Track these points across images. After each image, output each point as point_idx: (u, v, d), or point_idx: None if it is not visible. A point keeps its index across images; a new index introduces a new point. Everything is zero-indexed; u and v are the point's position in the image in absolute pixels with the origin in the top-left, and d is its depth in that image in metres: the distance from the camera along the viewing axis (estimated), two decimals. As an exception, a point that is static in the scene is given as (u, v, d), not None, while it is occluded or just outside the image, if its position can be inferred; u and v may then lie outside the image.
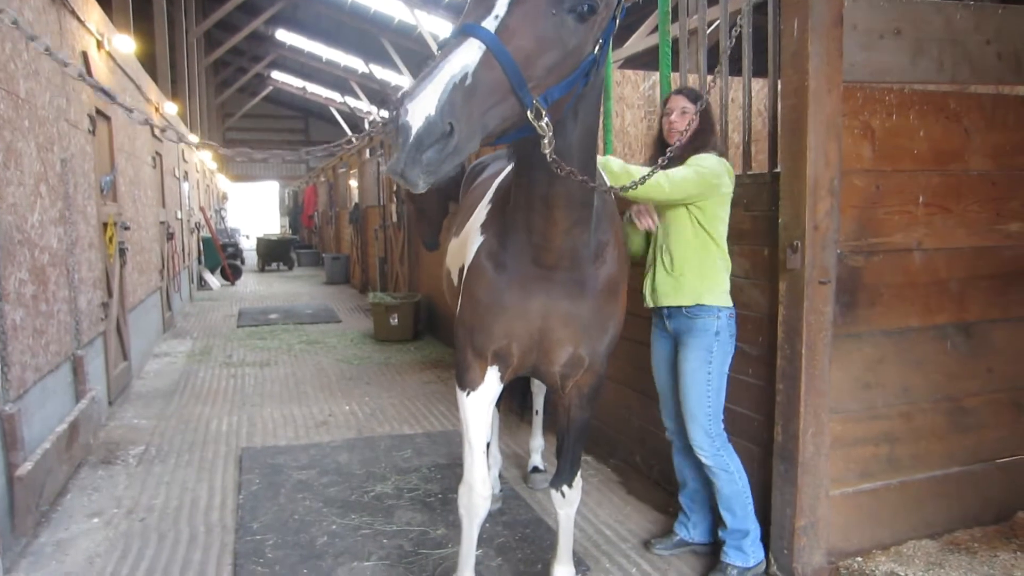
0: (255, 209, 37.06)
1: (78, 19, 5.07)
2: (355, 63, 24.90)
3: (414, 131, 1.49)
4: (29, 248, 3.75)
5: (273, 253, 19.01)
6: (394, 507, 3.84)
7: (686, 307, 2.95)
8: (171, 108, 10.02)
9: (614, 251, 2.50)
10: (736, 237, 3.28)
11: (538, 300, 2.41)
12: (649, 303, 3.09)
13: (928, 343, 3.18)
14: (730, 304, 2.98)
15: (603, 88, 2.58)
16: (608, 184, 2.56)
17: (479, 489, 2.59)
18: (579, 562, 3.20)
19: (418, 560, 3.24)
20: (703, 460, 2.99)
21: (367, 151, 12.88)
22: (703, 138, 2.91)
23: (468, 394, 2.58)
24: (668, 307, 3.02)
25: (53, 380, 4.12)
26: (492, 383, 2.56)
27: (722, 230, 2.96)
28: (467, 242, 2.69)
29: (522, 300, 2.41)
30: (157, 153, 9.11)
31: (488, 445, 2.71)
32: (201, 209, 15.47)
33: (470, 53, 1.61)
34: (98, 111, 5.61)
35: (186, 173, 12.91)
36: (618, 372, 4.18)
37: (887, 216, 3.04)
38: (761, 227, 3.17)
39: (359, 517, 3.70)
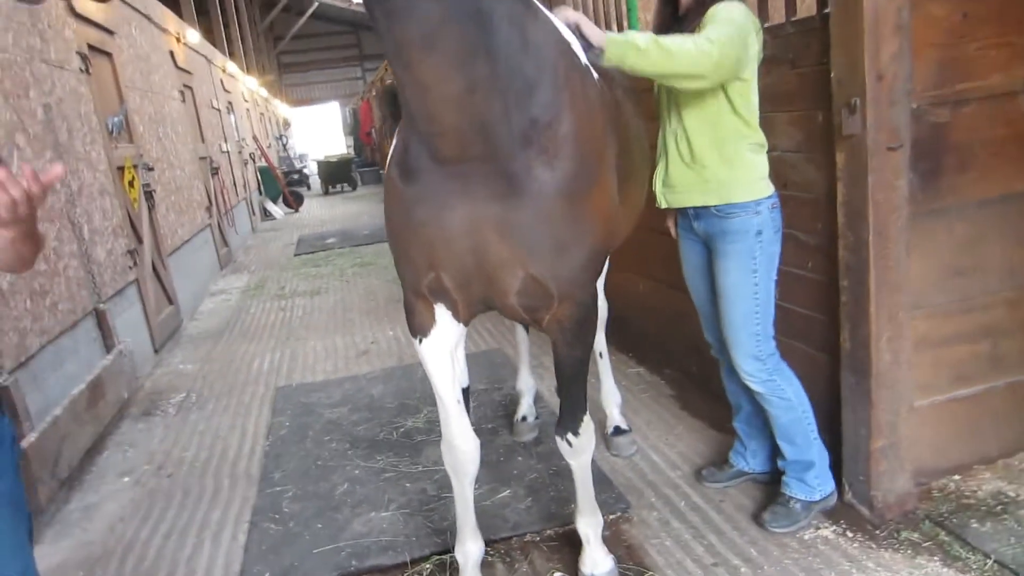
0: (321, 132, 37.02)
1: (44, -53, 4.65)
2: None
3: None
4: (9, 206, 3.50)
5: (335, 175, 18.85)
6: (423, 444, 3.55)
7: (715, 206, 2.37)
8: (194, 36, 9.64)
9: (572, 139, 1.84)
10: (782, 101, 2.64)
11: (457, 211, 1.83)
12: (663, 203, 2.50)
13: (1040, 211, 2.50)
14: (770, 191, 2.36)
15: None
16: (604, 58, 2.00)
17: (460, 444, 2.21)
18: (619, 498, 2.83)
19: (439, 507, 2.94)
20: (753, 387, 2.49)
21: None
22: None
23: (420, 341, 2.15)
24: (693, 207, 2.44)
25: (70, 339, 3.98)
26: (446, 325, 2.11)
27: (754, 103, 2.31)
28: None
29: (436, 214, 1.85)
30: (185, 86, 8.82)
31: (466, 391, 2.30)
32: (255, 139, 15.33)
33: None
34: (92, 47, 5.27)
35: (230, 104, 12.68)
36: (667, 273, 3.64)
37: (980, 52, 2.33)
38: (812, 86, 2.51)
39: (385, 458, 3.44)
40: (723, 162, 2.30)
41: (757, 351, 2.43)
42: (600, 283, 3.24)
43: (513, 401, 3.73)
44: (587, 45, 2.03)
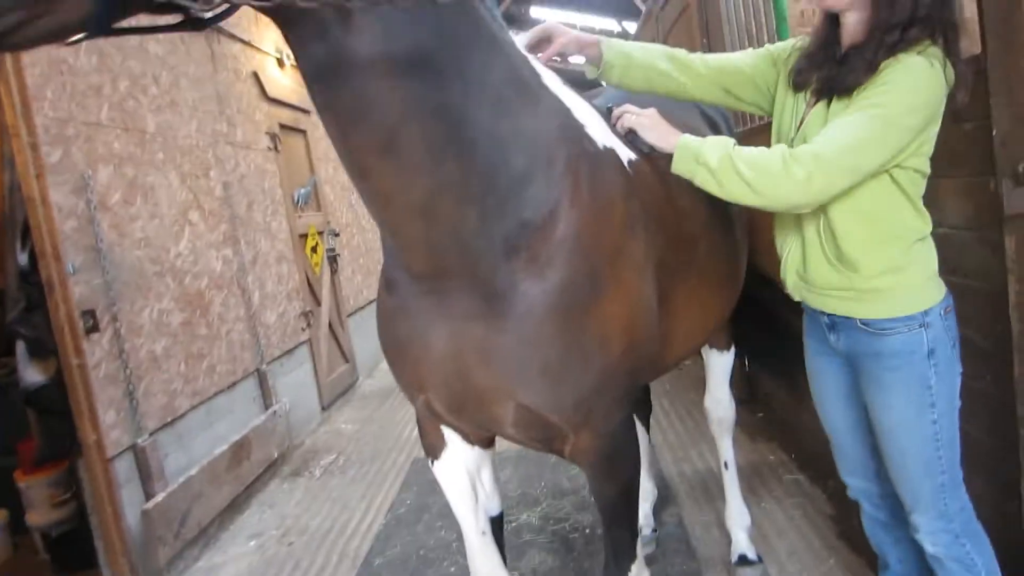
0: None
1: (242, 41, 5.21)
2: (609, 24, 24.24)
3: None
4: (173, 277, 3.84)
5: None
6: (529, 545, 3.22)
7: (862, 319, 1.77)
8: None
9: (571, 241, 1.51)
10: (946, 163, 2.03)
11: (438, 329, 1.56)
12: (797, 296, 1.94)
13: None
14: (942, 293, 1.73)
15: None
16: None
17: None
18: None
19: (519, 629, 2.60)
20: (929, 549, 1.82)
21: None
22: (895, 11, 1.53)
23: (433, 463, 1.89)
24: (832, 314, 1.85)
25: (226, 400, 4.24)
26: (459, 447, 1.83)
27: (922, 183, 1.69)
28: None
29: (417, 332, 1.60)
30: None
31: (498, 519, 1.96)
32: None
33: None
34: (284, 126, 5.79)
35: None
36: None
37: None
38: (983, 145, 1.90)
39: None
40: (886, 268, 1.68)
41: (943, 507, 1.77)
42: (726, 377, 2.75)
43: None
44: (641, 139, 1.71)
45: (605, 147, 1.68)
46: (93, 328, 3.13)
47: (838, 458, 2.10)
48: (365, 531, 3.69)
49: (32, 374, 3.08)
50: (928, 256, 1.72)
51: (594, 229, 1.55)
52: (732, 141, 1.65)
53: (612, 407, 1.65)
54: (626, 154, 1.75)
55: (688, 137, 1.69)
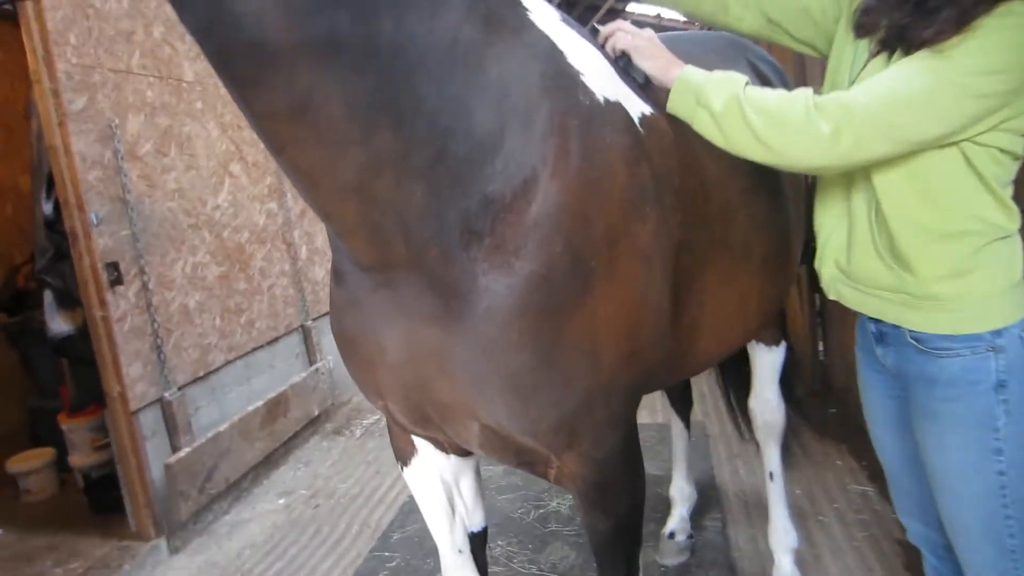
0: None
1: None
2: None
3: None
4: (210, 230, 3.76)
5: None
6: (553, 536, 3.01)
7: (913, 331, 1.40)
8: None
9: (552, 220, 1.20)
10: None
11: (392, 330, 1.30)
12: (832, 293, 1.56)
13: None
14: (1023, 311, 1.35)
15: None
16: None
17: None
18: None
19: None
20: None
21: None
22: None
23: (402, 469, 1.66)
24: (879, 321, 1.49)
25: (266, 355, 4.20)
26: (432, 455, 1.59)
27: (1009, 167, 1.29)
28: None
29: (370, 330, 1.34)
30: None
31: (481, 535, 1.73)
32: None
33: None
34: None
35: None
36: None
37: None
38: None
39: (505, 544, 2.98)
40: (949, 271, 1.32)
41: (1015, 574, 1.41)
42: (774, 376, 2.41)
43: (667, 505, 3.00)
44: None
45: (607, 100, 1.34)
46: (117, 280, 3.07)
47: (894, 495, 1.73)
48: (391, 501, 3.57)
49: (59, 324, 3.06)
50: (1009, 260, 1.33)
51: (582, 206, 1.23)
52: (744, 79, 1.30)
53: (605, 428, 1.36)
54: (638, 108, 1.41)
55: (691, 70, 1.35)
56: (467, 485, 1.68)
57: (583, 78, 1.31)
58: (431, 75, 1.12)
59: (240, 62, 1.01)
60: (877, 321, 1.49)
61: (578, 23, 1.44)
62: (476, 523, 1.71)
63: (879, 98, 1.19)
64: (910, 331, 1.40)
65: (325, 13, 1.00)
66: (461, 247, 1.19)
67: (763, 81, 2.02)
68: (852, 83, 1.36)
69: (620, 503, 1.45)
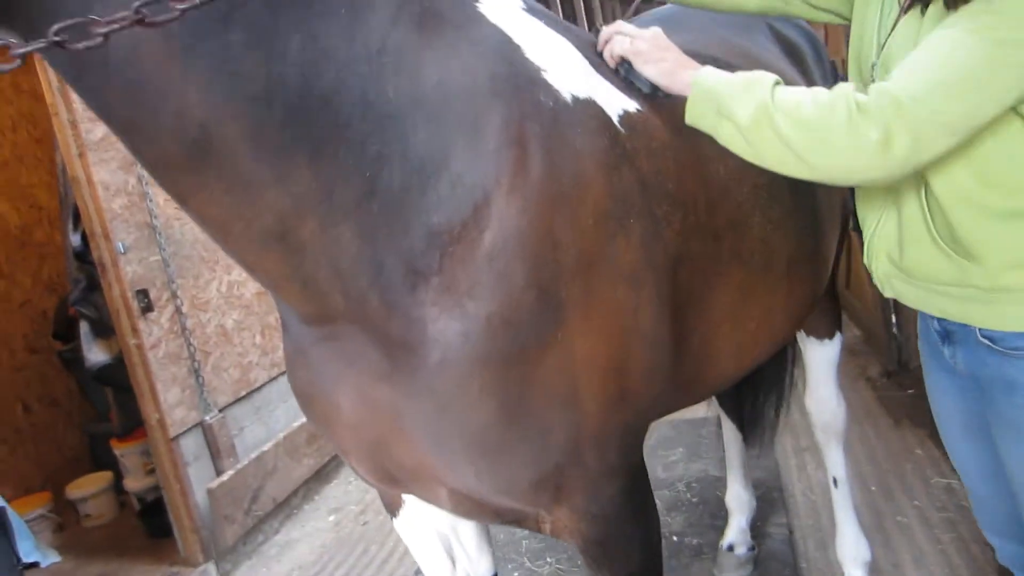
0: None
1: None
2: None
3: None
4: (245, 247, 3.72)
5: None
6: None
7: (984, 329, 1.21)
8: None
9: (511, 246, 1.03)
10: None
11: (342, 387, 1.15)
12: (887, 290, 1.35)
13: None
14: None
15: None
16: None
17: None
18: None
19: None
20: None
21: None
22: None
23: (394, 520, 1.51)
24: (944, 320, 1.29)
25: (310, 369, 4.15)
26: (419, 503, 1.42)
27: None
28: None
29: (319, 387, 1.20)
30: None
31: None
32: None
33: None
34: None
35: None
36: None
37: None
38: None
39: (555, 560, 2.83)
40: (1022, 259, 1.13)
41: None
42: (830, 372, 2.17)
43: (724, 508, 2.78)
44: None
45: (576, 98, 1.15)
46: (148, 308, 3.05)
47: (976, 510, 1.52)
48: (439, 515, 3.48)
49: (96, 353, 3.07)
50: None
51: (547, 228, 1.05)
52: (773, 79, 1.09)
53: (599, 480, 1.18)
54: (618, 104, 1.22)
55: (706, 74, 1.14)
56: (467, 531, 1.51)
57: (545, 75, 1.13)
58: (353, 94, 0.96)
59: (120, 104, 0.88)
60: (940, 319, 1.28)
61: (562, 11, 1.26)
62: (482, 571, 1.55)
63: (930, 83, 0.98)
64: (980, 329, 1.20)
65: (214, 36, 0.86)
66: (406, 291, 1.03)
67: (791, 51, 1.78)
68: (881, 49, 1.15)
69: (630, 560, 1.26)
